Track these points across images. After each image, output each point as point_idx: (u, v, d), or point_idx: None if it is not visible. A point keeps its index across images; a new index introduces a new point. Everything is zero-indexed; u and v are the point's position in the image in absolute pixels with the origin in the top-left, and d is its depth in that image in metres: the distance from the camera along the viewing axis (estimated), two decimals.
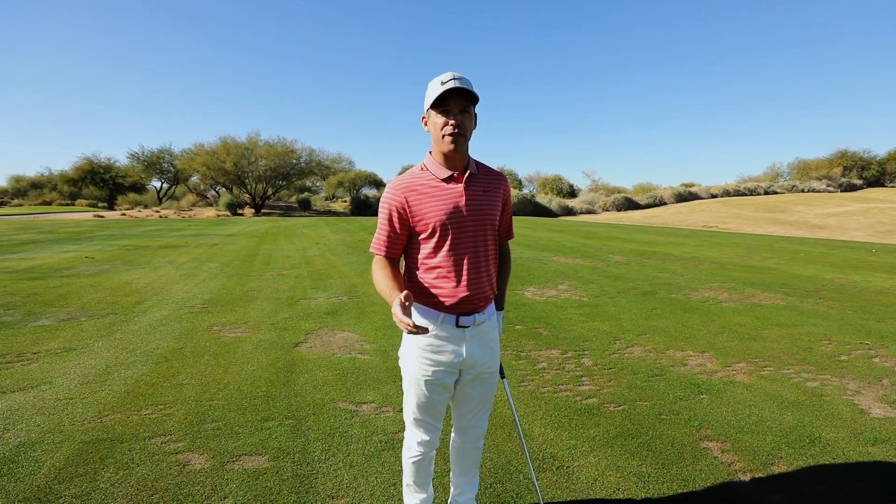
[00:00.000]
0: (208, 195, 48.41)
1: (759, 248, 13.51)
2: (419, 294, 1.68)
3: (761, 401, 3.22)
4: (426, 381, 1.68)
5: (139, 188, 50.66)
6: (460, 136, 1.59)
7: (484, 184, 1.70)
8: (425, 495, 1.87)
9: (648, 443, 2.66)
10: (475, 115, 1.66)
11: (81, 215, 32.61)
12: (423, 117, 1.68)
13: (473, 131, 1.67)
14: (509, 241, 1.94)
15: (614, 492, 2.23)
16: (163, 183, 50.49)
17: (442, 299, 1.64)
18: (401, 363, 1.76)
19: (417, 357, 1.68)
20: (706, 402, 3.20)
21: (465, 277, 1.65)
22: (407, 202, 1.63)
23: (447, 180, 1.65)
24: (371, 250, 1.72)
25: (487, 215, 1.68)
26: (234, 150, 39.00)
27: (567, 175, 50.65)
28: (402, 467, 1.91)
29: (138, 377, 3.59)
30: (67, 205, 48.43)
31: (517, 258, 10.52)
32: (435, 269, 1.66)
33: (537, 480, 2.26)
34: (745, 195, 45.44)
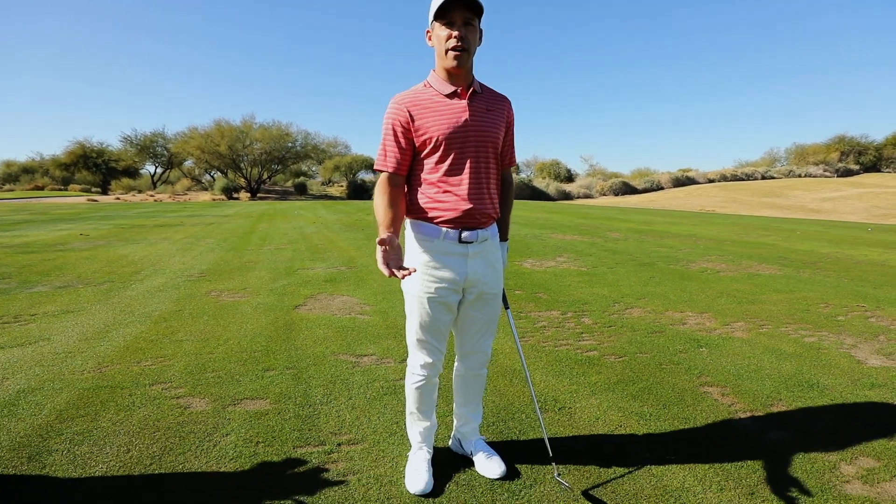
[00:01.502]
0: (203, 180, 47.95)
1: (756, 227, 13.55)
2: (421, 210, 1.66)
3: (760, 353, 3.24)
4: (429, 298, 1.67)
5: (133, 173, 50.03)
6: (464, 52, 1.55)
7: (487, 103, 1.68)
8: (428, 423, 1.88)
9: (649, 388, 2.68)
10: (481, 30, 1.62)
11: (75, 199, 32.26)
12: (427, 31, 1.64)
13: (478, 48, 1.63)
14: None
15: (616, 428, 2.24)
16: (157, 167, 49.92)
17: (444, 213, 1.63)
18: (403, 284, 1.74)
19: (421, 274, 1.67)
20: (705, 354, 3.22)
21: (467, 191, 1.63)
22: (410, 115, 1.60)
23: (450, 96, 1.62)
24: (377, 168, 1.67)
25: (490, 133, 1.66)
26: (229, 133, 38.51)
27: (565, 160, 50.40)
28: (405, 399, 1.90)
29: (137, 334, 3.57)
30: (60, 190, 47.89)
31: (514, 235, 10.50)
32: (437, 184, 1.64)
33: (542, 417, 2.28)
34: (743, 180, 45.45)
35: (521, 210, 20.45)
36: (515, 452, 2.02)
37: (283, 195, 40.55)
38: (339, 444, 2.08)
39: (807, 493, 1.75)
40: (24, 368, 2.91)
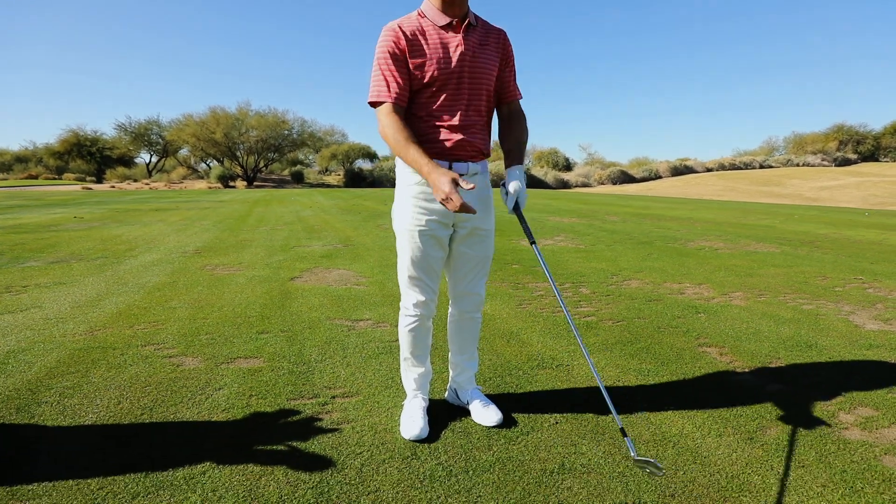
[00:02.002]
0: (199, 168, 47.54)
1: (754, 211, 13.53)
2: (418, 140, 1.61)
3: (758, 318, 3.22)
4: (420, 231, 1.63)
5: (128, 161, 49.55)
6: None
7: (482, 36, 1.62)
8: (423, 369, 1.85)
9: (647, 347, 2.66)
10: None
11: (69, 187, 31.96)
12: None
13: None
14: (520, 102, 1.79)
15: (614, 383, 2.22)
16: (152, 156, 49.44)
17: (435, 145, 1.58)
18: (394, 222, 1.72)
19: (410, 208, 1.64)
20: (704, 319, 3.21)
21: (458, 125, 1.59)
22: (406, 41, 1.53)
23: (445, 28, 1.56)
24: (373, 99, 1.56)
25: (485, 69, 1.61)
26: (224, 121, 38.09)
27: (563, 149, 50.14)
28: (399, 344, 1.87)
29: (130, 303, 3.53)
30: (54, 179, 47.46)
31: (512, 218, 10.44)
32: (429, 116, 1.59)
33: (536, 378, 2.25)
34: (741, 169, 45.39)
35: None
36: (512, 404, 1.99)
37: (280, 183, 40.27)
38: (333, 397, 2.06)
39: (806, 438, 1.73)
40: (14, 332, 2.86)
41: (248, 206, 14.32)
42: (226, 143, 38.22)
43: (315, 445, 1.69)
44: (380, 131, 1.58)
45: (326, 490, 1.44)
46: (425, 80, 1.55)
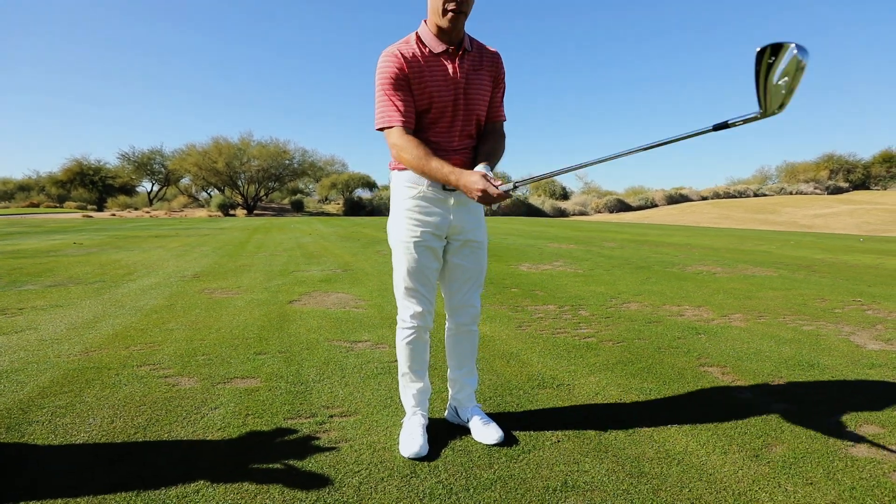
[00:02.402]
0: (200, 197, 47.95)
1: (751, 237, 13.64)
2: None
3: (759, 339, 3.21)
4: (415, 242, 1.67)
5: (129, 190, 50.05)
6: (461, 14, 1.56)
7: (476, 61, 1.68)
8: (422, 384, 1.83)
9: (648, 367, 2.64)
10: None
11: (70, 215, 32.13)
12: None
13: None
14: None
15: (616, 403, 2.19)
16: (153, 184, 49.96)
17: None
18: (390, 236, 1.76)
19: (406, 221, 1.68)
20: (704, 340, 3.19)
21: (452, 147, 1.66)
22: (408, 66, 1.59)
23: (441, 55, 1.62)
24: (382, 125, 1.61)
25: (476, 95, 1.67)
26: (227, 151, 38.73)
27: (559, 178, 50.80)
28: (397, 360, 1.85)
29: (127, 324, 3.50)
30: (55, 207, 47.77)
31: (510, 245, 10.51)
32: (426, 140, 1.64)
33: (537, 397, 2.22)
34: (735, 197, 45.94)
35: (516, 224, 20.55)
36: (513, 423, 1.96)
37: (280, 212, 40.57)
38: (330, 416, 2.02)
39: (813, 455, 1.70)
40: (8, 353, 2.83)
41: (248, 233, 14.38)
42: (227, 172, 38.73)
43: (312, 464, 1.65)
44: (394, 154, 1.63)
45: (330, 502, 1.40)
46: (422, 108, 1.61)
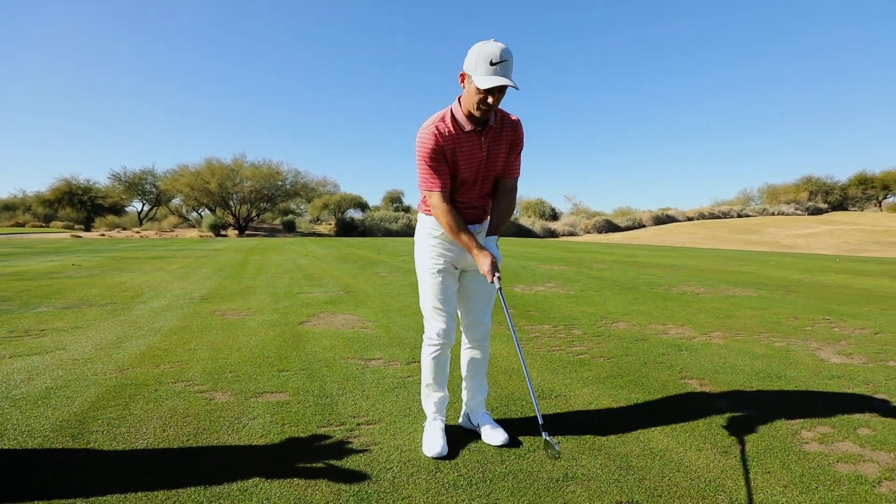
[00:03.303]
0: (190, 217, 47.89)
1: (734, 258, 14.17)
2: None
3: (734, 354, 3.55)
4: (438, 269, 2.03)
5: (118, 210, 49.81)
6: (490, 110, 1.84)
7: (497, 132, 1.99)
8: (442, 394, 2.12)
9: (635, 380, 2.95)
10: None
11: (58, 235, 31.89)
12: (462, 74, 1.85)
13: None
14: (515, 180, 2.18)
15: (607, 409, 2.49)
16: (144, 204, 49.82)
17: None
18: (417, 264, 2.11)
19: (430, 252, 2.06)
20: (686, 355, 3.52)
21: (472, 202, 2.03)
22: (444, 141, 1.90)
23: (470, 133, 1.93)
24: (428, 188, 1.93)
25: (495, 163, 2.01)
26: (220, 172, 38.99)
27: (549, 199, 51.91)
28: (420, 377, 2.14)
29: (150, 345, 3.73)
30: (41, 227, 47.27)
31: (504, 266, 10.84)
32: (452, 194, 1.99)
33: (535, 395, 2.52)
34: (720, 218, 47.21)
35: (508, 245, 20.95)
36: (518, 429, 2.25)
37: (271, 232, 40.68)
38: (358, 424, 2.29)
39: (772, 450, 2.02)
40: (47, 371, 3.05)
41: (244, 254, 14.56)
42: (220, 192, 38.92)
43: (349, 462, 1.92)
44: (433, 212, 1.97)
45: (366, 497, 1.68)
46: (452, 174, 1.97)
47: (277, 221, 46.24)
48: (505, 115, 2.02)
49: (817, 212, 49.78)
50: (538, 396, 2.67)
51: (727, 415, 2.41)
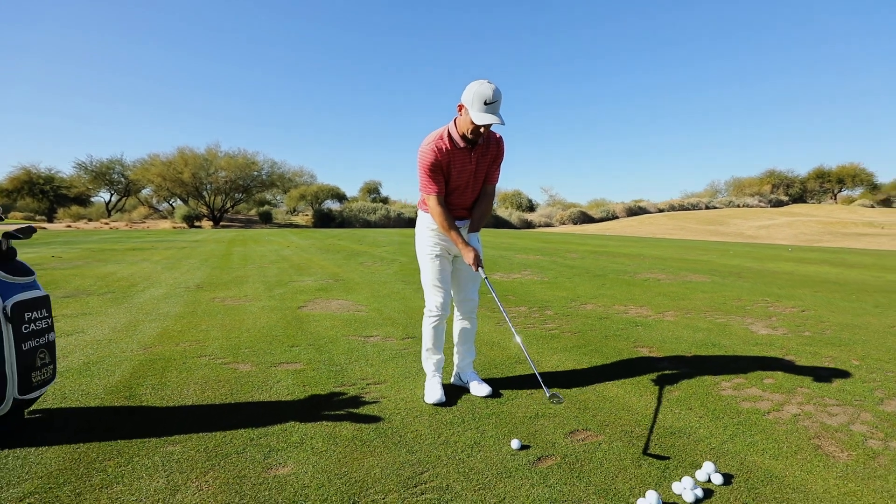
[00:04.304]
0: (161, 208, 46.69)
1: (696, 248, 15.12)
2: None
3: (681, 328, 4.16)
4: (436, 254, 2.51)
5: (84, 200, 48.04)
6: (481, 136, 2.32)
7: (484, 148, 2.45)
8: (439, 356, 2.60)
9: (597, 349, 3.50)
10: None
11: (17, 226, 30.69)
12: (460, 105, 2.28)
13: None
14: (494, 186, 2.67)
15: (571, 369, 3.02)
16: (112, 195, 48.23)
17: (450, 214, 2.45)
18: (418, 250, 2.59)
19: (429, 241, 2.53)
20: (641, 330, 4.10)
21: (462, 202, 2.51)
22: (441, 157, 2.35)
23: (463, 149, 2.39)
24: (427, 193, 2.41)
25: (482, 173, 2.49)
26: (193, 161, 38.18)
27: (526, 190, 52.83)
28: (421, 342, 2.61)
29: (164, 327, 4.07)
30: None
31: (483, 256, 11.37)
32: (447, 197, 2.47)
33: (515, 370, 3.03)
34: (689, 210, 49.11)
35: (487, 236, 21.53)
36: (500, 385, 2.75)
37: (248, 223, 40.18)
38: (367, 384, 2.75)
39: (697, 396, 2.58)
40: (77, 350, 3.38)
41: (225, 245, 14.65)
42: (193, 183, 38.15)
43: (365, 410, 2.38)
44: (431, 212, 2.44)
45: (383, 431, 2.15)
46: (447, 185, 2.43)
47: (253, 212, 45.60)
48: (491, 134, 2.49)
49: (779, 204, 52.33)
50: (515, 362, 3.18)
51: (667, 372, 2.98)
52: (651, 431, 2.17)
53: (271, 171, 43.35)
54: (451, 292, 2.65)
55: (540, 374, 2.89)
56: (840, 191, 55.54)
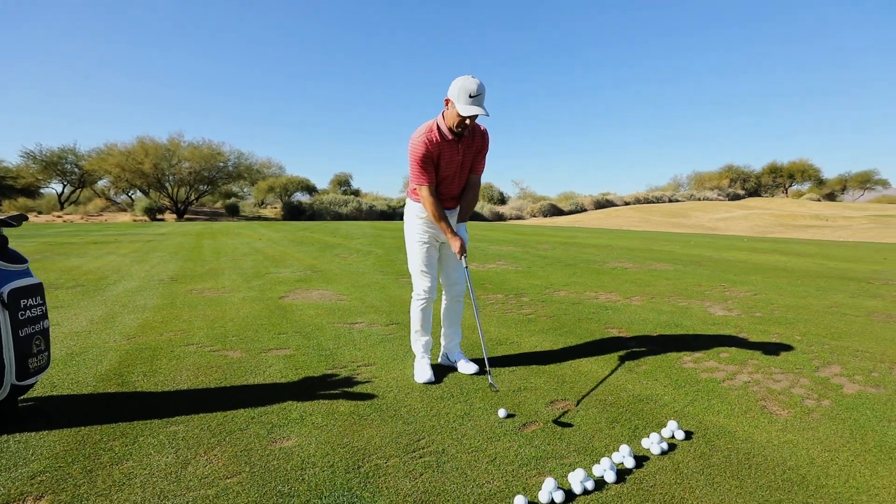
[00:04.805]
0: (119, 200, 44.54)
1: (660, 239, 15.82)
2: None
3: (647, 311, 4.46)
4: (423, 241, 2.65)
5: (33, 192, 45.19)
6: (467, 128, 2.46)
7: (470, 140, 2.59)
8: (427, 338, 2.76)
9: (570, 330, 3.74)
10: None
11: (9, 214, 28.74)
12: (447, 99, 2.41)
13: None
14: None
15: (548, 349, 3.24)
16: (65, 186, 45.60)
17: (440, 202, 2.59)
18: (406, 237, 2.71)
19: (417, 229, 2.66)
20: (611, 313, 4.38)
21: (450, 192, 2.65)
22: (431, 149, 2.48)
23: (451, 141, 2.52)
24: (419, 183, 2.52)
25: (468, 164, 2.63)
26: (154, 151, 36.62)
27: (497, 183, 53.33)
28: (409, 325, 2.75)
29: (144, 319, 4.05)
30: None
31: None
32: (436, 187, 2.59)
33: (486, 346, 3.22)
34: (653, 202, 50.91)
35: None
36: (482, 364, 2.93)
37: (213, 216, 38.95)
38: (357, 367, 2.88)
39: (661, 368, 2.85)
40: (57, 342, 3.34)
41: (194, 238, 14.26)
42: (155, 174, 36.62)
43: (359, 388, 2.51)
44: (422, 201, 2.56)
45: (378, 406, 2.29)
46: (437, 175, 2.55)
47: (219, 205, 44.15)
48: (476, 127, 2.63)
49: (736, 197, 54.97)
50: (497, 343, 3.37)
51: (635, 349, 3.24)
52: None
53: (238, 162, 42.13)
54: (441, 278, 2.81)
55: (519, 353, 3.10)
56: (791, 185, 58.88)
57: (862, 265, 8.49)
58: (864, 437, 2.08)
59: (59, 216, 35.10)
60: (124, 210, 39.99)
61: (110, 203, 43.43)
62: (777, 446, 1.98)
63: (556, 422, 2.16)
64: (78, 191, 45.62)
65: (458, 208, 2.74)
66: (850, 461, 1.88)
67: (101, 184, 43.63)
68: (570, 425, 2.15)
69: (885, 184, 57.50)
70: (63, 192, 45.60)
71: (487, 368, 2.56)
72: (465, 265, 2.63)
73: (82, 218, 33.85)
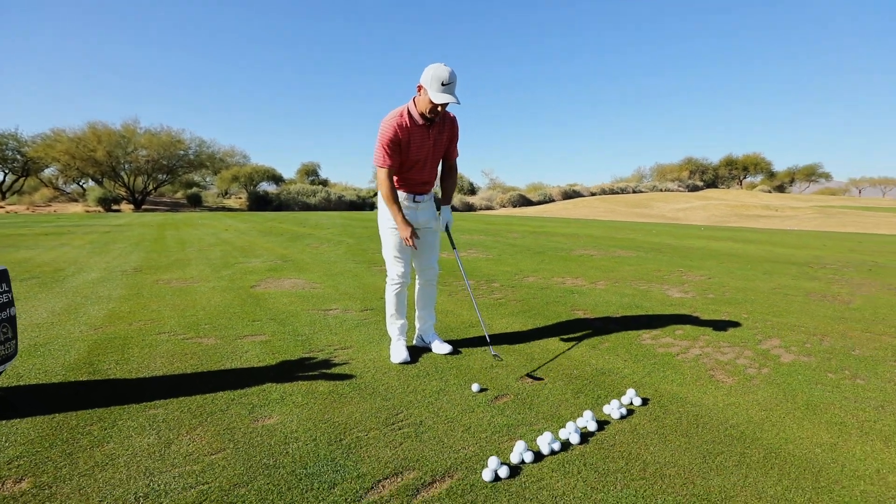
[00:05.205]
0: (68, 189, 42.02)
1: (624, 228, 16.41)
2: (400, 184, 2.67)
3: (611, 294, 4.71)
4: (396, 227, 2.68)
5: None
6: (438, 115, 2.52)
7: (441, 126, 2.66)
8: (402, 321, 2.85)
9: (539, 313, 3.92)
10: None
11: None
12: (419, 86, 2.46)
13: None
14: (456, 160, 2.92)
15: (518, 330, 3.40)
16: (6, 174, 42.57)
17: (411, 186, 2.68)
18: (380, 223, 2.77)
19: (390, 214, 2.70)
20: (577, 297, 4.60)
21: (422, 177, 2.71)
22: (402, 133, 2.55)
23: (422, 126, 2.59)
24: (380, 165, 2.58)
25: (440, 148, 2.71)
26: (107, 138, 34.67)
27: (467, 174, 53.58)
28: (384, 309, 2.83)
29: (110, 309, 3.95)
30: None
31: (454, 227, 11.64)
32: (408, 174, 2.67)
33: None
34: (618, 193, 52.49)
35: None
36: (456, 345, 3.06)
37: (174, 207, 37.41)
38: (334, 350, 2.94)
39: (622, 346, 3.05)
40: (19, 333, 3.23)
41: (155, 229, 13.73)
42: (109, 162, 34.74)
43: (337, 370, 2.59)
44: (378, 183, 2.62)
45: (357, 386, 2.38)
46: (407, 158, 2.61)
47: (180, 195, 42.38)
48: (446, 114, 2.71)
49: (695, 189, 57.37)
50: (469, 326, 3.51)
51: (598, 329, 3.45)
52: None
53: (199, 150, 40.48)
54: (414, 262, 2.90)
55: (491, 334, 3.24)
56: (745, 177, 61.92)
57: (804, 251, 9.15)
58: (795, 397, 2.33)
59: (2, 206, 32.84)
60: (75, 200, 37.79)
61: (59, 193, 40.92)
62: (722, 409, 2.20)
63: (528, 375, 2.35)
64: (22, 179, 42.72)
65: (430, 194, 2.82)
66: (781, 418, 2.12)
67: (48, 172, 41.02)
68: (541, 379, 2.37)
69: (827, 176, 61.43)
70: (4, 180, 42.61)
71: (489, 342, 2.83)
72: (436, 252, 2.76)
73: (28, 209, 31.81)
